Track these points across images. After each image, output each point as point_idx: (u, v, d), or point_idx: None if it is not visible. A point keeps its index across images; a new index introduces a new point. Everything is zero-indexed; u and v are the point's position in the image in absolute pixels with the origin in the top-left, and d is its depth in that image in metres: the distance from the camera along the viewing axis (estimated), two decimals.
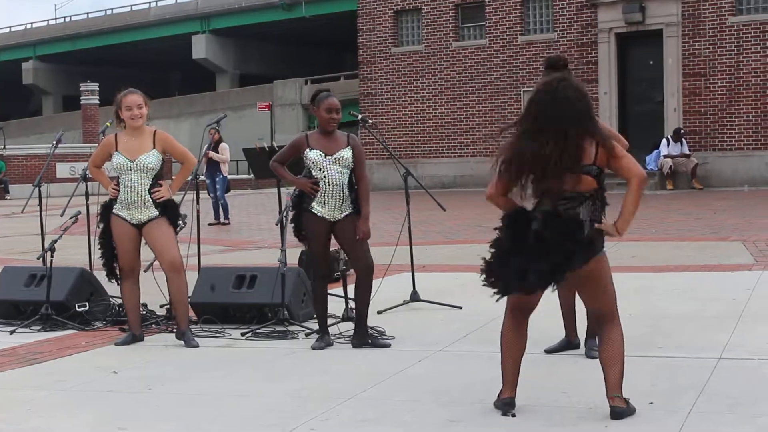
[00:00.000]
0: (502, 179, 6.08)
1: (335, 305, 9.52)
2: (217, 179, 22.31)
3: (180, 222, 9.15)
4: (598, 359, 6.44)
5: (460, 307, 10.02)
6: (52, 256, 9.79)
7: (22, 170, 38.58)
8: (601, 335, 6.21)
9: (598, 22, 29.36)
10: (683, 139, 27.89)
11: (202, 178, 24.11)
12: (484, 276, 6.16)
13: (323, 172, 8.44)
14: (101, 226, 9.09)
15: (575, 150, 5.85)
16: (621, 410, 5.99)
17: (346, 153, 8.48)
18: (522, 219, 6.04)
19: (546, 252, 5.88)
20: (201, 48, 70.17)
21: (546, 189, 5.93)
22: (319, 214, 8.46)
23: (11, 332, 9.55)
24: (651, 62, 29.11)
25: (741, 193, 25.70)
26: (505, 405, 6.15)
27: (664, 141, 27.73)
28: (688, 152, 27.84)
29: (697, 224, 18.02)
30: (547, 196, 5.96)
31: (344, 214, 8.48)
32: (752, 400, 6.36)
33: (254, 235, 19.38)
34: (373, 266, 8.55)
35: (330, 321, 8.94)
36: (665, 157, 27.73)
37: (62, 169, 36.61)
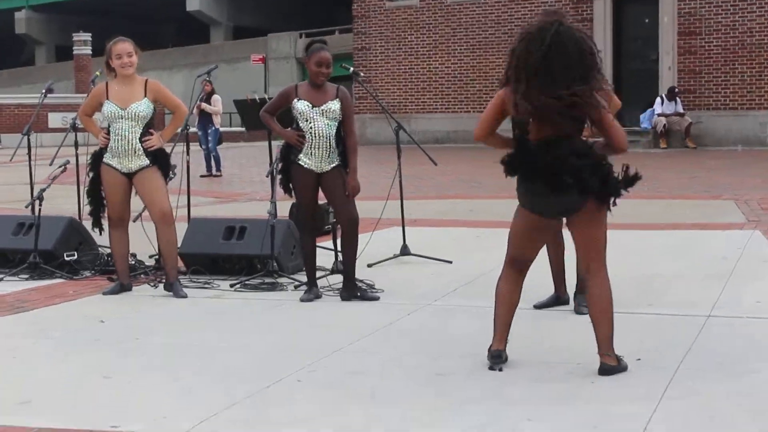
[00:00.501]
0: (488, 114, 6.09)
1: (325, 258, 9.49)
2: (210, 131, 22.23)
3: (171, 173, 9.09)
4: (587, 315, 6.45)
5: (450, 262, 10.00)
6: (40, 205, 9.73)
7: (14, 120, 38.36)
8: (589, 290, 6.19)
9: None
10: (677, 98, 27.79)
11: (193, 129, 24.06)
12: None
13: (310, 123, 8.37)
14: (91, 174, 9.04)
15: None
16: (609, 367, 5.98)
17: (334, 105, 8.41)
18: (528, 148, 5.99)
19: (560, 178, 5.88)
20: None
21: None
22: (306, 165, 8.41)
23: None
24: (646, 20, 28.94)
25: (734, 153, 25.68)
26: (494, 358, 6.14)
27: (658, 99, 27.64)
28: (682, 111, 27.75)
29: (690, 183, 18.02)
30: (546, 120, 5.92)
31: (331, 166, 8.43)
32: (739, 357, 6.36)
33: (246, 188, 19.34)
34: (358, 219, 8.51)
35: (319, 274, 8.91)
36: (659, 115, 27.64)
37: (54, 119, 36.39)
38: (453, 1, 31.45)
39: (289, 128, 8.56)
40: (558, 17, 6.07)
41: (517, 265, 6.26)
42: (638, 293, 8.39)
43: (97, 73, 10.89)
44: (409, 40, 32.15)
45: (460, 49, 31.28)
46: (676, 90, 27.87)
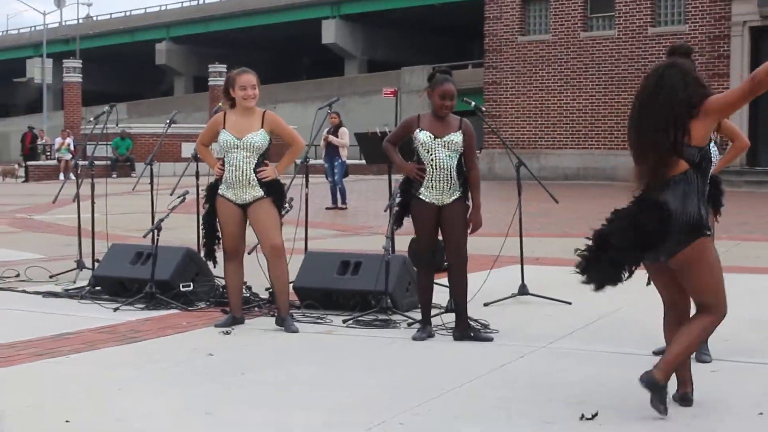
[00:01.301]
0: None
1: (441, 296, 9.31)
2: (336, 163, 22.26)
3: (286, 205, 9.02)
4: (709, 363, 6.30)
5: (570, 303, 9.74)
6: (158, 235, 9.77)
7: (149, 149, 39.10)
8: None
9: (732, 15, 28.61)
10: None
11: (319, 161, 24.15)
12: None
13: (431, 154, 8.21)
14: (207, 206, 9.01)
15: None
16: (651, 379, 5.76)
17: (456, 137, 8.24)
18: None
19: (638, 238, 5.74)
20: (330, 33, 70.53)
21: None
22: (426, 199, 8.25)
23: (115, 309, 9.56)
24: None
25: None
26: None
27: None
28: None
29: None
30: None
31: (452, 198, 8.25)
32: None
33: (370, 221, 19.27)
34: (467, 258, 8.31)
35: (434, 312, 8.73)
36: None
37: (187, 149, 36.98)
38: (586, 36, 31.15)
39: (410, 161, 8.42)
40: (679, 55, 5.91)
41: (673, 312, 6.15)
42: (763, 342, 8.04)
43: (220, 104, 10.91)
44: (541, 75, 31.91)
45: (592, 85, 30.94)
46: None
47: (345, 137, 22.51)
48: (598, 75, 30.82)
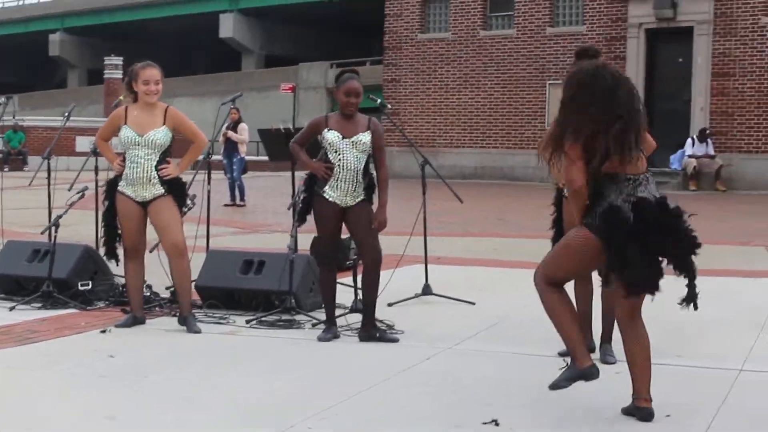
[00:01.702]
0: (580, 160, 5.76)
1: (344, 295, 9.22)
2: (235, 159, 22.05)
3: (188, 202, 8.85)
4: (613, 364, 6.51)
5: (473, 303, 9.74)
6: (56, 232, 9.53)
7: (42, 142, 38.31)
8: (635, 337, 6.04)
9: (629, 17, 28.96)
10: (709, 140, 27.50)
11: (218, 157, 23.90)
12: None
13: (339, 154, 8.13)
14: (106, 203, 8.81)
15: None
16: (651, 411, 5.89)
17: (365, 137, 8.17)
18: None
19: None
20: (228, 27, 69.89)
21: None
22: (330, 198, 8.16)
23: (11, 309, 9.29)
24: (680, 60, 28.67)
25: (765, 198, 25.27)
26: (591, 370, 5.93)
27: (689, 141, 27.35)
28: (713, 153, 27.46)
29: (719, 227, 17.66)
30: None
31: (357, 200, 8.19)
32: None
33: (269, 219, 19.12)
34: (381, 258, 8.24)
35: (338, 312, 8.64)
36: (690, 157, 27.36)
37: (82, 143, 36.36)
38: (485, 35, 31.30)
39: (314, 159, 8.32)
40: (588, 57, 5.91)
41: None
42: (666, 342, 8.08)
43: (120, 97, 10.68)
44: (440, 73, 31.99)
45: (491, 84, 31.09)
46: (708, 131, 27.59)
47: (244, 133, 22.28)
48: (497, 74, 30.98)
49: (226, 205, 21.37)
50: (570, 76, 5.93)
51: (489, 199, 22.30)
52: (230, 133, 21.77)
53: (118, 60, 48.72)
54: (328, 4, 65.41)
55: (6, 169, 34.29)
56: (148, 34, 72.98)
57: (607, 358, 7.36)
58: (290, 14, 68.77)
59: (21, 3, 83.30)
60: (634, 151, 5.73)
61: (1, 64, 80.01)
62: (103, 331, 8.36)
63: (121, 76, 48.11)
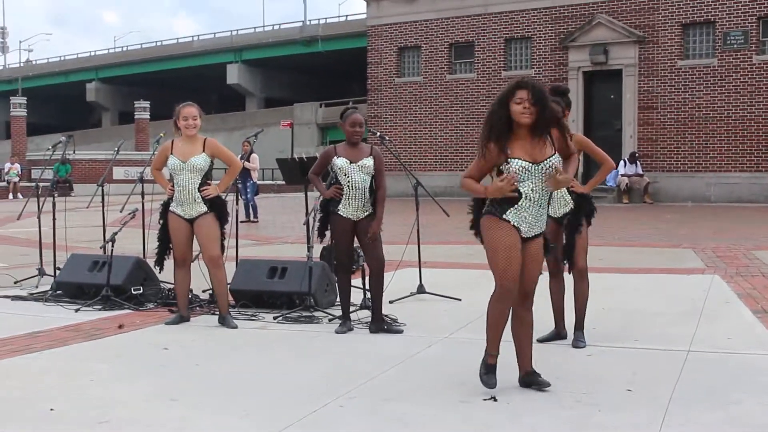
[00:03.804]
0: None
1: (354, 295, 9.14)
2: (248, 184, 21.99)
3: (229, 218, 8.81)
4: (583, 348, 6.42)
5: (460, 299, 9.69)
6: (112, 246, 9.46)
7: (84, 172, 38.70)
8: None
9: (569, 62, 29.05)
10: (638, 161, 27.60)
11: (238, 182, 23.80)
12: None
13: (348, 177, 8.09)
14: (161, 222, 8.74)
15: None
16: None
17: (369, 162, 8.15)
18: None
19: None
20: (234, 75, 70.02)
21: None
22: (344, 215, 8.12)
23: (76, 310, 9.23)
24: (612, 96, 28.77)
25: (685, 208, 25.37)
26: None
27: (621, 162, 27.40)
28: (641, 172, 27.56)
29: (652, 233, 17.70)
30: None
31: (366, 214, 8.15)
32: (722, 389, 6.01)
33: (278, 233, 19.05)
34: (384, 262, 8.20)
35: (351, 308, 8.57)
36: (622, 175, 27.44)
37: (118, 172, 36.64)
38: (451, 78, 31.32)
39: (324, 183, 8.28)
40: (558, 95, 6.03)
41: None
42: (623, 329, 8.08)
43: (161, 134, 10.66)
44: (414, 110, 31.99)
45: (457, 119, 31.12)
46: (637, 154, 27.69)
47: (255, 162, 22.26)
48: (461, 111, 31.01)
49: (242, 222, 21.20)
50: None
51: (458, 213, 22.23)
52: (245, 162, 21.68)
53: (146, 103, 48.62)
54: (317, 54, 65.54)
55: (56, 195, 34.14)
56: (168, 81, 72.90)
57: (578, 343, 7.32)
58: (286, 63, 68.89)
59: (62, 58, 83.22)
60: None
61: (46, 108, 79.82)
62: (120, 326, 8.29)
63: (148, 116, 48.04)
